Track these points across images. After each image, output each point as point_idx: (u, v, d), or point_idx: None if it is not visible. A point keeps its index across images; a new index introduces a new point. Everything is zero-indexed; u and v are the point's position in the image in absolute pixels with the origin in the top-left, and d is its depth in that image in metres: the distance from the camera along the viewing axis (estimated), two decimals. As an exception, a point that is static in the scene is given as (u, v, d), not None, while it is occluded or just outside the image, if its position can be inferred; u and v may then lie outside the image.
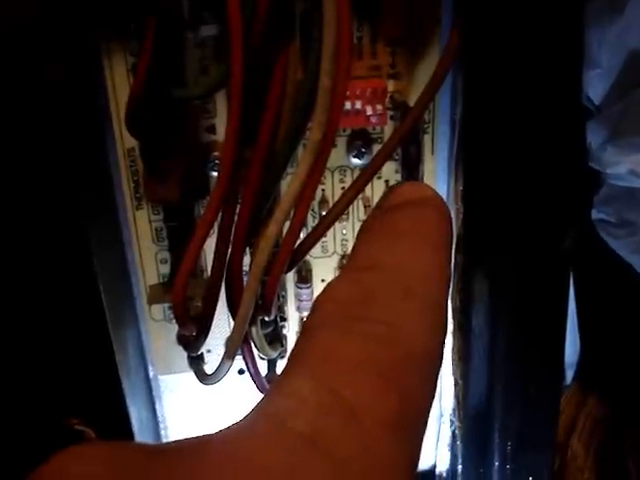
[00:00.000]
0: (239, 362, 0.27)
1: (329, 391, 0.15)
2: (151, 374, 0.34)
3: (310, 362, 0.16)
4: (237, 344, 0.25)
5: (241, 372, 0.32)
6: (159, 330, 0.31)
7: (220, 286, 0.25)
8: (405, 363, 0.17)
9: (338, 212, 0.26)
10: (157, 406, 0.35)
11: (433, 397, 0.18)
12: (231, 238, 0.24)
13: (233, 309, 0.25)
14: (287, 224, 0.24)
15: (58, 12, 0.24)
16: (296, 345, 0.18)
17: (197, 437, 0.16)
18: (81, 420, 0.37)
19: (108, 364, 0.31)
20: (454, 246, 0.28)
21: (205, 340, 0.26)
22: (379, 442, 0.15)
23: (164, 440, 0.36)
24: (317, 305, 0.18)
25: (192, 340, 0.26)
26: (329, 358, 0.16)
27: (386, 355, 0.16)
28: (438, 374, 0.18)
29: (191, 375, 0.29)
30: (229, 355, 0.25)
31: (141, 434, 0.34)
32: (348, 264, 0.20)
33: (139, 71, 0.24)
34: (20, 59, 0.28)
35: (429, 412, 0.17)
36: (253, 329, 0.26)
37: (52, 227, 0.32)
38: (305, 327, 0.18)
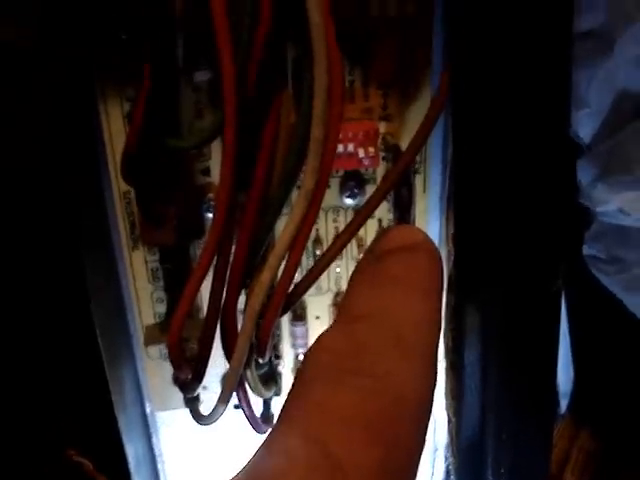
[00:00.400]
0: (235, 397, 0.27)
1: (318, 446, 0.16)
2: (148, 410, 0.34)
3: (301, 417, 0.17)
4: (232, 386, 0.25)
5: (237, 407, 0.32)
6: (155, 368, 0.32)
7: (216, 328, 0.25)
8: (394, 412, 0.17)
9: (332, 255, 0.26)
10: (154, 441, 0.35)
11: (424, 441, 0.18)
12: (227, 280, 0.25)
13: (228, 352, 0.25)
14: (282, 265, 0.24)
15: (55, 50, 0.25)
16: (288, 398, 0.18)
17: None
18: (79, 452, 0.37)
19: (104, 400, 0.31)
20: (446, 286, 0.29)
21: (201, 382, 0.26)
22: None
23: (161, 473, 0.36)
24: (310, 357, 0.19)
25: (188, 382, 0.26)
26: (320, 412, 0.16)
27: (374, 406, 0.17)
28: (429, 419, 0.18)
29: (187, 411, 0.29)
30: (224, 397, 0.25)
31: (138, 469, 0.34)
32: (340, 313, 0.21)
33: (134, 120, 0.24)
34: (15, 101, 0.29)
35: (420, 456, 0.18)
36: (248, 371, 0.26)
37: (49, 266, 0.33)
38: (297, 379, 0.18)
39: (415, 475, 0.17)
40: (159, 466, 0.36)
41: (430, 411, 0.18)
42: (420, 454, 0.18)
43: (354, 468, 0.16)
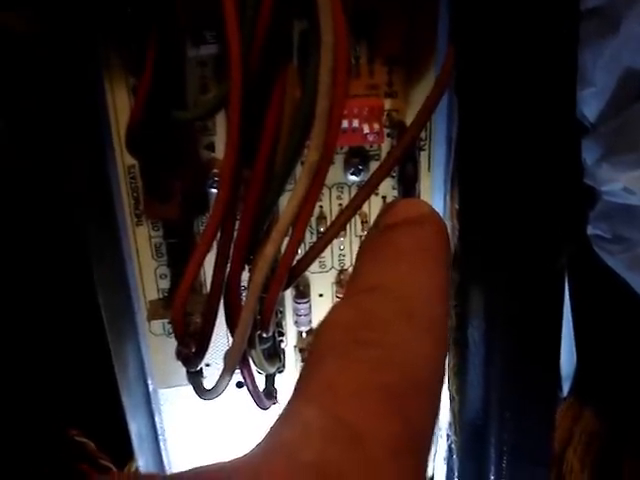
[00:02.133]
0: (238, 375, 0.27)
1: (334, 418, 0.16)
2: (150, 387, 0.34)
3: (315, 390, 0.17)
4: (235, 360, 0.25)
5: (240, 385, 0.32)
6: (158, 344, 0.32)
7: (219, 303, 0.25)
8: (408, 386, 0.17)
9: (336, 230, 0.26)
10: (156, 418, 0.35)
11: (437, 417, 0.18)
12: (230, 255, 0.25)
13: (232, 326, 0.25)
14: (285, 241, 0.24)
15: (59, 29, 0.25)
16: (302, 372, 0.18)
17: (215, 466, 0.16)
18: (81, 432, 0.37)
19: (108, 377, 0.31)
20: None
21: (204, 356, 0.26)
22: (382, 467, 0.15)
23: (164, 452, 0.36)
24: (321, 330, 0.19)
25: (191, 356, 0.26)
26: (333, 385, 0.16)
27: (389, 379, 0.17)
28: (440, 393, 0.18)
29: (190, 388, 0.29)
30: (227, 371, 0.25)
31: (140, 446, 0.34)
32: (349, 286, 0.21)
33: (139, 92, 0.24)
34: (21, 77, 0.29)
35: (433, 433, 0.18)
36: (251, 346, 0.26)
37: (52, 242, 0.33)
38: (310, 354, 0.18)
39: (430, 448, 0.17)
40: (161, 444, 0.36)
41: (442, 386, 0.18)
42: (434, 427, 0.18)
43: (373, 439, 0.15)
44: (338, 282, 0.32)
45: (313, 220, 0.30)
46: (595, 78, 0.30)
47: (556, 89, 0.26)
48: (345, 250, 0.31)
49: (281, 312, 0.32)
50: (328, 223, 0.30)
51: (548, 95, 0.26)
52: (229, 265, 0.25)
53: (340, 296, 0.32)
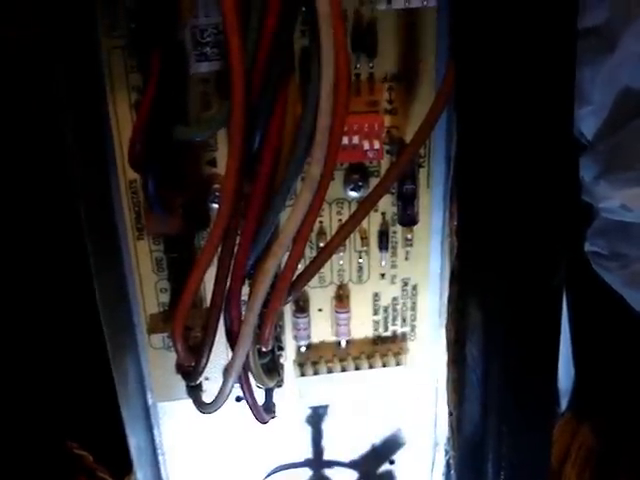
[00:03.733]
0: (237, 389, 0.27)
1: None
2: (150, 401, 0.34)
3: None
4: (235, 375, 0.25)
5: (239, 399, 0.32)
6: (158, 358, 0.32)
7: (219, 317, 0.25)
8: None
9: (335, 245, 0.27)
10: (155, 432, 0.35)
11: None
12: (230, 270, 0.25)
13: (231, 340, 0.25)
14: (285, 256, 0.25)
15: (62, 42, 0.25)
16: None
17: None
18: (79, 445, 0.37)
19: (107, 390, 0.32)
20: (449, 279, 0.29)
21: (204, 370, 0.26)
22: None
23: (162, 465, 0.36)
24: None
25: (190, 370, 0.27)
26: None
27: None
28: None
29: (189, 402, 0.29)
30: (226, 385, 0.26)
31: (139, 459, 0.34)
32: None
33: (142, 107, 0.24)
34: (22, 91, 0.29)
35: None
36: (251, 359, 0.26)
37: (54, 255, 0.33)
38: None
39: None
40: (160, 457, 0.36)
41: None
42: None
43: None
44: (337, 297, 0.32)
45: (313, 235, 0.30)
46: (593, 96, 0.30)
47: (554, 107, 0.26)
48: (344, 265, 0.31)
49: (280, 326, 0.32)
50: (328, 238, 0.30)
51: (546, 113, 0.26)
52: (229, 279, 0.25)
53: (339, 311, 0.32)
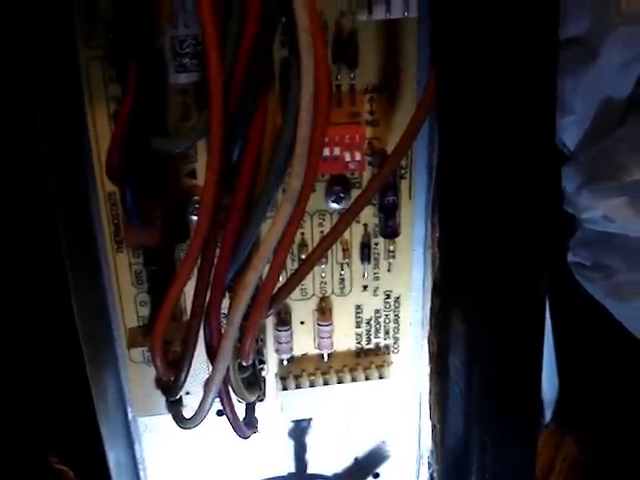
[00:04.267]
0: (218, 403, 0.27)
1: None
2: (130, 415, 0.33)
3: None
4: (215, 389, 0.25)
5: (220, 413, 0.31)
6: (138, 372, 0.31)
7: (199, 330, 0.25)
8: None
9: (317, 257, 0.27)
10: (136, 447, 0.35)
11: None
12: (210, 282, 0.25)
13: (211, 354, 0.25)
14: (266, 268, 0.24)
15: (38, 51, 0.25)
16: None
17: None
18: (60, 459, 0.37)
19: (87, 405, 0.31)
20: (431, 290, 0.29)
21: (183, 385, 0.26)
22: None
23: (142, 480, 0.36)
24: None
25: (170, 384, 0.26)
26: None
27: None
28: None
29: (170, 417, 0.29)
30: (207, 400, 0.25)
31: (119, 475, 0.34)
32: None
33: (120, 118, 0.24)
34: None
35: None
36: (231, 373, 0.26)
37: (32, 268, 0.33)
38: None
39: None
40: (141, 472, 0.35)
41: None
42: None
43: None
44: (319, 309, 0.32)
45: (294, 247, 0.30)
46: (575, 106, 0.30)
47: (536, 117, 0.26)
48: (326, 277, 0.31)
49: (262, 340, 0.32)
50: (309, 250, 0.30)
51: (528, 123, 0.26)
52: (209, 292, 0.25)
53: (322, 324, 0.32)
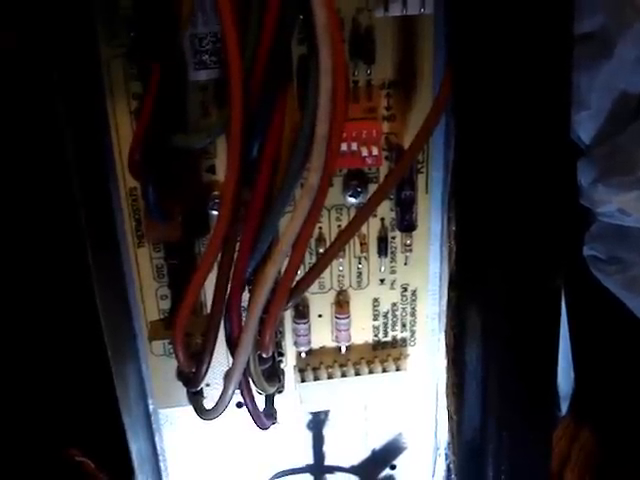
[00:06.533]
0: (238, 395, 0.27)
1: None
2: (151, 407, 0.34)
3: None
4: (235, 381, 0.25)
5: (240, 405, 0.32)
6: (159, 364, 0.32)
7: (220, 323, 0.25)
8: None
9: (335, 251, 0.27)
10: (157, 439, 0.35)
11: None
12: (231, 276, 0.25)
13: (232, 346, 0.25)
14: (285, 262, 0.25)
15: (60, 51, 0.25)
16: None
17: None
18: (81, 451, 0.37)
19: (109, 397, 0.32)
20: (447, 284, 0.29)
21: (205, 376, 0.26)
22: None
23: (164, 471, 0.36)
24: None
25: (191, 376, 0.27)
26: None
27: None
28: None
29: (191, 408, 0.29)
30: (227, 392, 0.26)
31: (141, 466, 0.34)
32: None
33: (142, 115, 0.24)
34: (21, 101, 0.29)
35: None
36: (251, 365, 0.26)
37: (55, 263, 0.33)
38: None
39: None
40: (162, 463, 0.36)
41: None
42: None
43: None
44: (337, 303, 0.32)
45: (312, 241, 0.30)
46: (590, 101, 0.30)
47: (552, 112, 0.26)
48: (344, 271, 0.32)
49: (280, 332, 0.32)
50: (327, 244, 0.30)
51: (544, 118, 0.26)
52: (229, 286, 0.25)
53: (339, 317, 0.32)
